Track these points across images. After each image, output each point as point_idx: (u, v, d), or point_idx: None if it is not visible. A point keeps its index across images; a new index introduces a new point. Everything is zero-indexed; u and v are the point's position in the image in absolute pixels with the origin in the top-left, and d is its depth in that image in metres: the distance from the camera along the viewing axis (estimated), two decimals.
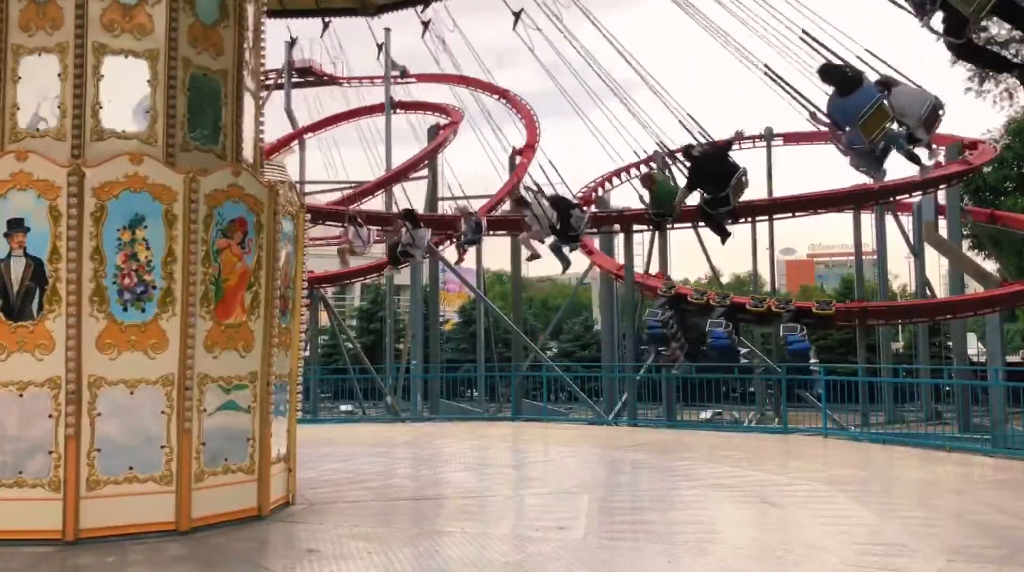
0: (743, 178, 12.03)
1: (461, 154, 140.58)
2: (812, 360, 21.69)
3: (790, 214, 26.15)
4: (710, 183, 11.88)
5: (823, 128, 10.38)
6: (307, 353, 28.73)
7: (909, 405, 27.84)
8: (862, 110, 8.84)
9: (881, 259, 31.17)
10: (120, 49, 7.00)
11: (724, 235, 13.02)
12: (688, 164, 12.35)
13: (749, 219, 27.35)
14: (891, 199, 27.97)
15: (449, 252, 26.04)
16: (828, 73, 9.24)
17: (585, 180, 35.66)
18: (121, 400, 6.56)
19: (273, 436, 7.34)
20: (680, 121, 13.24)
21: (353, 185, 35.81)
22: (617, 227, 26.13)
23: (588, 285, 46.92)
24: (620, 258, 26.68)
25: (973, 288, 28.92)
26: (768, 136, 34.16)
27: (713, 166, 11.75)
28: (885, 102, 8.91)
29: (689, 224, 26.69)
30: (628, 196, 52.62)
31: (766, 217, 27.60)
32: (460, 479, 9.62)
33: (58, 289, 6.44)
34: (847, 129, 9.19)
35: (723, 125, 37.06)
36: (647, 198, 15.38)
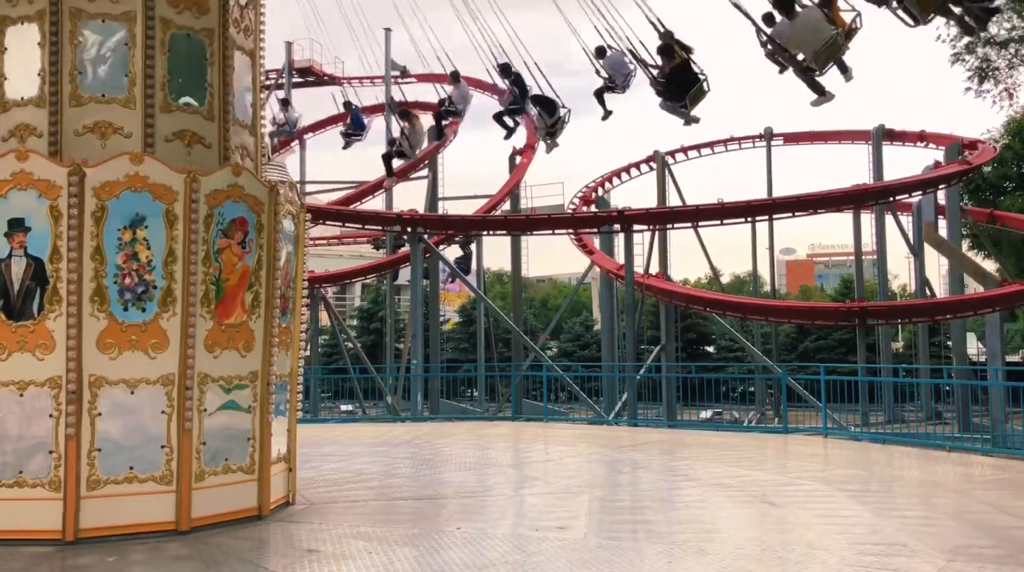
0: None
1: (461, 154, 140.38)
2: None
3: (790, 214, 26.16)
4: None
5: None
6: (307, 353, 28.79)
7: (909, 405, 27.89)
8: None
9: (881, 259, 31.19)
10: (96, 13, 7.00)
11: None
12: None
13: (749, 219, 27.39)
14: (891, 199, 28.01)
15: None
16: None
17: (585, 180, 35.67)
18: (122, 400, 6.56)
19: (273, 436, 7.34)
20: None
21: (354, 185, 35.93)
22: (617, 227, 26.14)
23: (588, 285, 46.97)
24: (620, 258, 26.69)
25: (973, 288, 28.97)
26: (768, 136, 34.18)
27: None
28: None
29: (689, 224, 26.83)
30: (628, 196, 52.54)
31: (766, 217, 27.60)
32: (460, 479, 9.61)
33: (59, 289, 6.44)
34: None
35: (724, 124, 36.98)
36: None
